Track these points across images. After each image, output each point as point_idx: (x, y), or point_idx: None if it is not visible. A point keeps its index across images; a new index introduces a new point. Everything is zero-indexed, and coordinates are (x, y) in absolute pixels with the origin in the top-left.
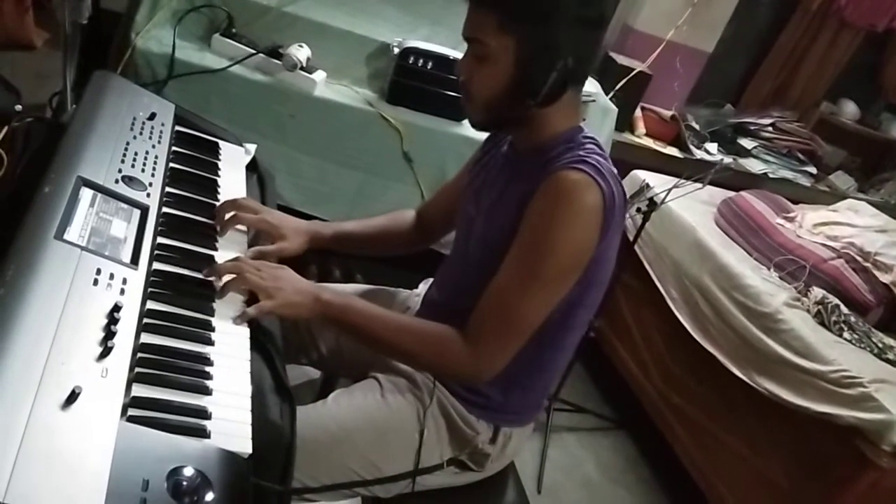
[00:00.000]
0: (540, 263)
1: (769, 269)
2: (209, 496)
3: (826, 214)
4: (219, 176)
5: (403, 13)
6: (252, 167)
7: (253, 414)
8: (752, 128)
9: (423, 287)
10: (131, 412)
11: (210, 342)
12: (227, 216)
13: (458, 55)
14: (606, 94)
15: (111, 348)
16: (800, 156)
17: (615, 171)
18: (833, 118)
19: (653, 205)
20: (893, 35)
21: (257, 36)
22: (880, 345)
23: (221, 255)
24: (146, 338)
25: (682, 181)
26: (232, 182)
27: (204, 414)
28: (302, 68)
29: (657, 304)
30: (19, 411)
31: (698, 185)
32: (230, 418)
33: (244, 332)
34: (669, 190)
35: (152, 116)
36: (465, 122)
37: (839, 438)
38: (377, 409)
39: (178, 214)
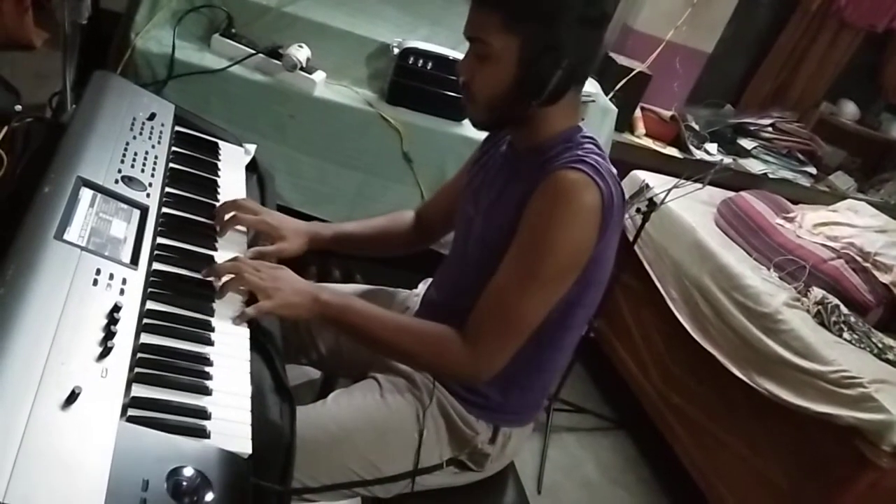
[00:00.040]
0: (538, 263)
1: (769, 269)
2: (209, 496)
3: (826, 215)
4: (218, 176)
5: (403, 13)
6: (252, 167)
7: (253, 414)
8: (752, 128)
9: (422, 287)
10: (131, 412)
11: (210, 342)
12: (227, 217)
13: (459, 55)
14: (606, 94)
15: (111, 348)
16: (800, 156)
17: (614, 170)
18: (833, 118)
19: (652, 205)
20: (893, 35)
21: (257, 36)
22: (880, 345)
23: (221, 256)
24: (146, 338)
25: (682, 181)
26: (232, 182)
27: (204, 414)
28: (302, 68)
29: (657, 304)
30: (19, 411)
31: (698, 185)
32: (230, 418)
33: (244, 332)
34: (669, 190)
35: (152, 117)
36: (465, 123)
37: (839, 439)
38: (377, 410)
39: (177, 215)
